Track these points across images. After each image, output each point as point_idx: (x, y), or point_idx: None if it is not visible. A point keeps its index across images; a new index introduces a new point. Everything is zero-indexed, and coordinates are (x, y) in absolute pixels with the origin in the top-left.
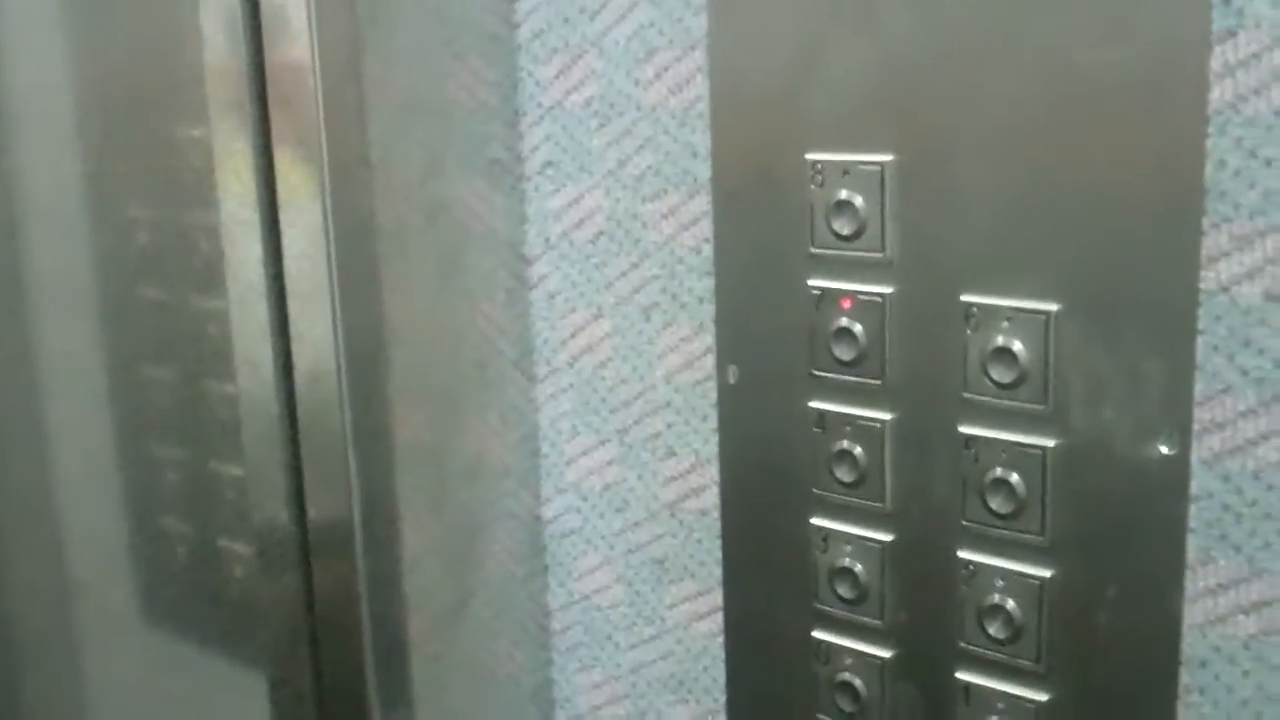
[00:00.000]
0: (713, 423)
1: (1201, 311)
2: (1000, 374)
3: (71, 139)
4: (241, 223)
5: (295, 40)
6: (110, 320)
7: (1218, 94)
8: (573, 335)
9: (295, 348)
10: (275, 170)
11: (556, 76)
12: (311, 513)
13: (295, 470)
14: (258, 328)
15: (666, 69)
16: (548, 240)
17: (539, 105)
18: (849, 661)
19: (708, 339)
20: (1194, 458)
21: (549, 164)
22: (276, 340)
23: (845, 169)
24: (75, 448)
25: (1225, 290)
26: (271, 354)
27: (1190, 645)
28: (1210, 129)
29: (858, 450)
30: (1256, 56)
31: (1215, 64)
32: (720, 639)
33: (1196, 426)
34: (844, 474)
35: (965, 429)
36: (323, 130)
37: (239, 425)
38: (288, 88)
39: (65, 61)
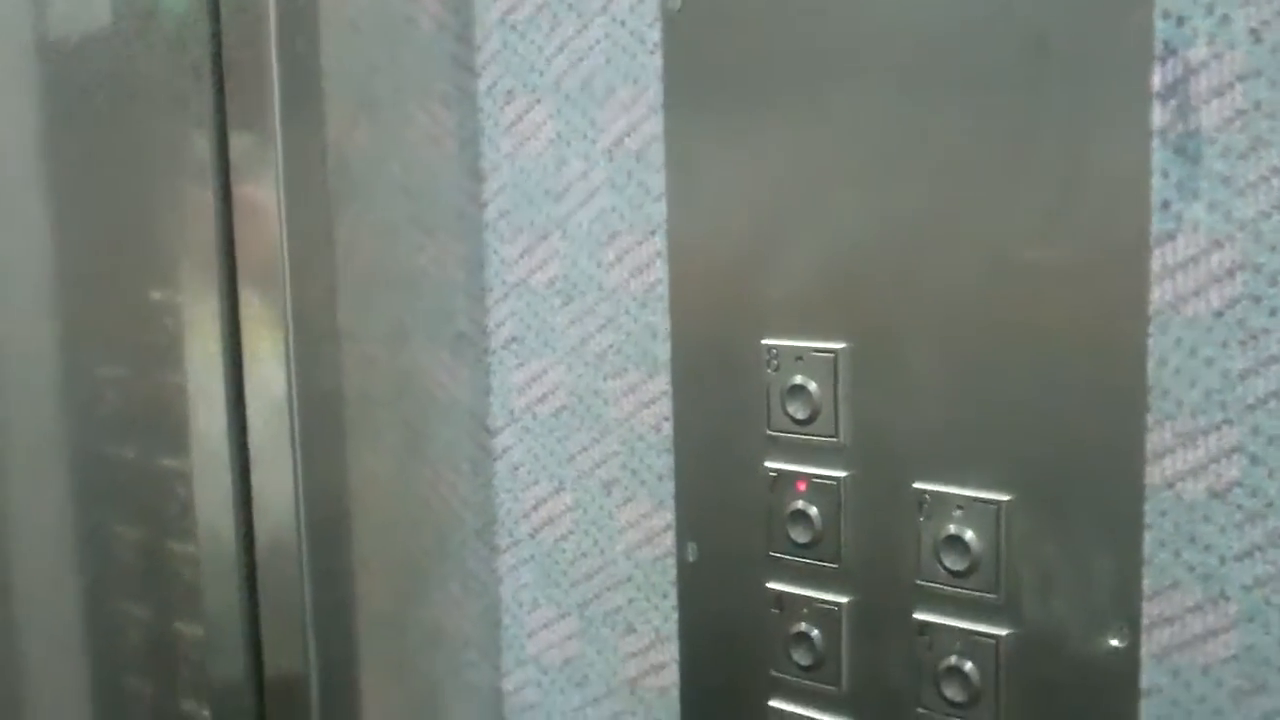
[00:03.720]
0: (673, 600)
1: (1148, 507)
2: (953, 561)
3: (49, 302)
4: (206, 391)
5: (266, 215)
6: (77, 479)
7: (1158, 294)
8: (535, 507)
9: (257, 516)
10: (242, 339)
11: (521, 255)
12: (270, 677)
13: (254, 637)
14: (220, 495)
15: (627, 252)
16: (512, 413)
17: (504, 282)
18: None
19: (668, 515)
20: (1144, 651)
21: (513, 339)
22: (238, 508)
23: (799, 355)
24: (39, 607)
25: (1170, 486)
26: (233, 521)
27: None
28: (1152, 328)
29: (815, 633)
30: (1194, 259)
31: (1155, 265)
32: None
33: (1146, 620)
34: (801, 657)
35: (920, 615)
36: (288, 300)
37: (200, 587)
38: (257, 258)
39: (47, 233)
